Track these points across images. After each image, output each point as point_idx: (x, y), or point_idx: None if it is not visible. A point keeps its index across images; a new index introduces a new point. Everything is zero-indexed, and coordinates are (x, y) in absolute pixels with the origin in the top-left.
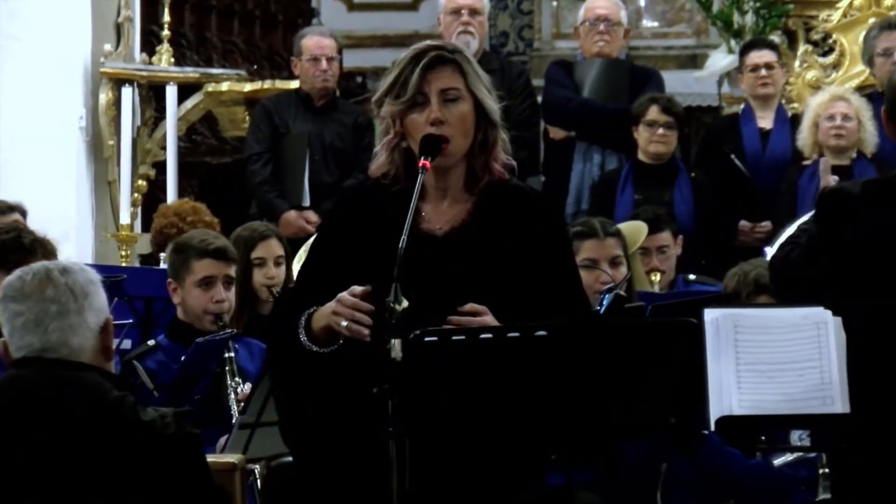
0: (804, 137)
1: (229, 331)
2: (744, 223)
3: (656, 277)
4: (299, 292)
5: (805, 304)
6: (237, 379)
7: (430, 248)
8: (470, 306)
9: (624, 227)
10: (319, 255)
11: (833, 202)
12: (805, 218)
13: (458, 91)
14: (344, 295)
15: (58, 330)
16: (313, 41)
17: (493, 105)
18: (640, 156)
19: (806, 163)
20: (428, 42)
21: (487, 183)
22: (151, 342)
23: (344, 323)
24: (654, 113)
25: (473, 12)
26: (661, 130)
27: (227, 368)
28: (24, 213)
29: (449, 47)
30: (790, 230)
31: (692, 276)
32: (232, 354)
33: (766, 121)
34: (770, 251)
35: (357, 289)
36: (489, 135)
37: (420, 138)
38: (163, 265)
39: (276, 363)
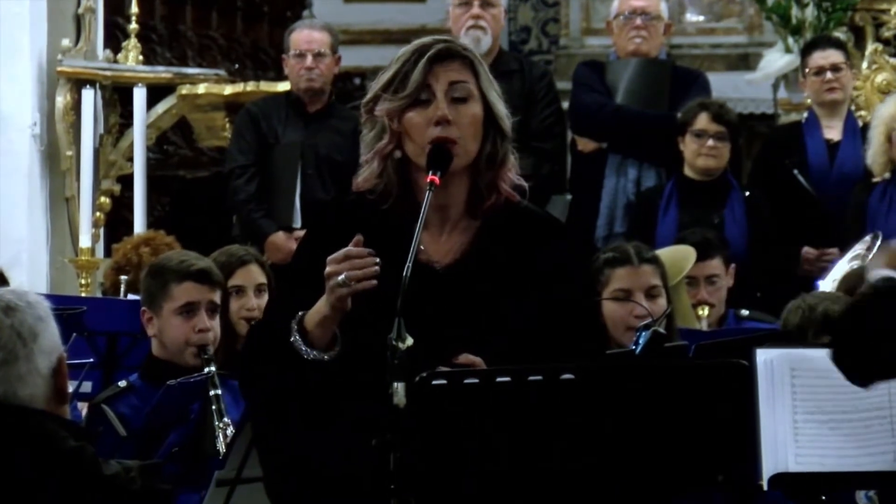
0: (874, 154)
1: (207, 370)
2: (808, 250)
3: (704, 311)
4: (273, 324)
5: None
6: (226, 419)
7: (428, 283)
8: (464, 358)
9: (669, 252)
10: (296, 283)
11: None
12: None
13: (468, 87)
14: (334, 255)
15: (4, 381)
16: (301, 35)
17: (506, 113)
18: (687, 170)
19: (876, 179)
20: (434, 37)
21: (493, 205)
22: (123, 383)
23: (341, 277)
24: (703, 121)
25: (486, 4)
26: (710, 142)
27: (213, 408)
28: None
29: (459, 43)
30: (842, 262)
31: (745, 312)
32: (219, 392)
33: (833, 131)
34: (823, 285)
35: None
36: (498, 148)
37: (427, 149)
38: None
39: (262, 389)
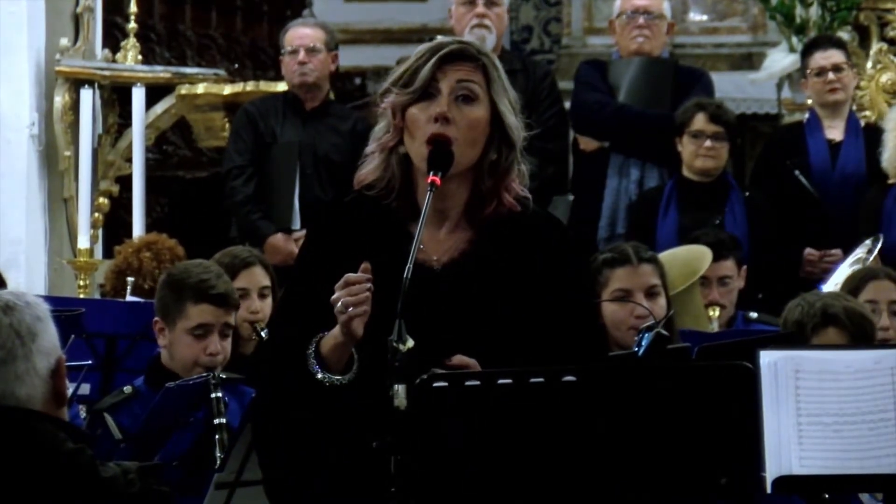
0: (889, 158)
1: (213, 396)
2: (810, 251)
3: (715, 312)
4: (283, 330)
5: None
6: None
7: (425, 282)
8: (458, 359)
9: (684, 252)
10: (299, 292)
11: None
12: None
13: (475, 87)
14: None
15: (2, 381)
16: (295, 32)
17: (515, 124)
18: (685, 171)
19: (892, 181)
20: (454, 38)
21: (493, 213)
22: (128, 388)
23: (339, 304)
24: (700, 122)
25: (491, 3)
26: (708, 142)
27: (217, 437)
28: None
29: (477, 46)
30: (844, 265)
31: (754, 315)
32: (224, 420)
33: (835, 132)
34: (826, 288)
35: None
36: (503, 158)
37: (427, 146)
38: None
39: (274, 404)
